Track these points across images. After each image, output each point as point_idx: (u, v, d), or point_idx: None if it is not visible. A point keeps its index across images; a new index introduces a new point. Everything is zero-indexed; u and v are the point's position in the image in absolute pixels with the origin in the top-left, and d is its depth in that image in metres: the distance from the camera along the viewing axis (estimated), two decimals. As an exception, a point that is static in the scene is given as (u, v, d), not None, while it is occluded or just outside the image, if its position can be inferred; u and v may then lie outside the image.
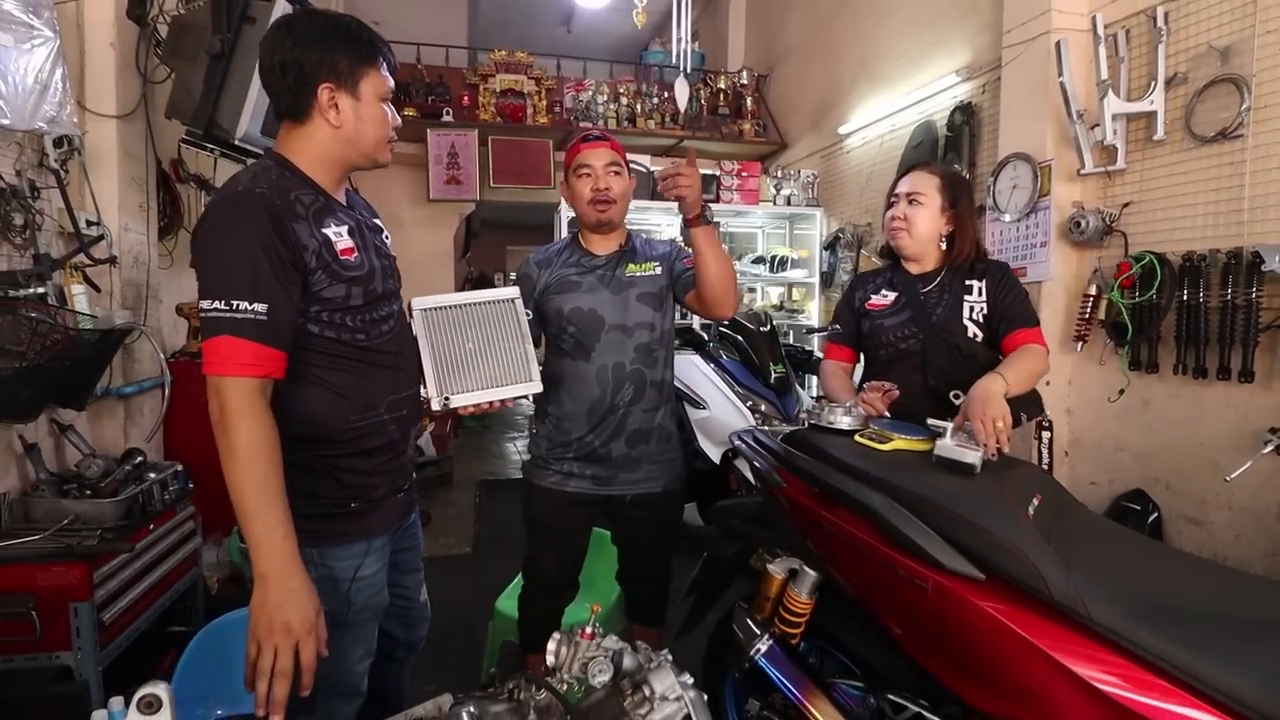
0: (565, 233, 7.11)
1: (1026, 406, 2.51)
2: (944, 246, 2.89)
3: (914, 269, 2.92)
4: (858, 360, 3.08)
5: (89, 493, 3.18)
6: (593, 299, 2.88)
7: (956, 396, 2.62)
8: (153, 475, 3.42)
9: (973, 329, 2.77)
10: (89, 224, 3.58)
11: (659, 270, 2.97)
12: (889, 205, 2.94)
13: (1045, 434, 3.01)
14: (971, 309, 2.78)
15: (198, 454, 3.89)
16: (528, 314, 2.43)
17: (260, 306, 1.78)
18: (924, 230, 2.83)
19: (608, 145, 2.91)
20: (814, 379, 7.00)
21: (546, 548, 3.06)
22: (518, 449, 10.34)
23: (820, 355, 3.23)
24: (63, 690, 2.88)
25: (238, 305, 1.76)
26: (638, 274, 2.93)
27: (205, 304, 1.78)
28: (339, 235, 1.98)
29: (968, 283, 2.81)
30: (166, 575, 3.45)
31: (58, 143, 3.35)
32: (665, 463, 3.04)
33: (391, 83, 2.07)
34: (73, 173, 3.54)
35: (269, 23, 3.48)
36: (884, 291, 2.95)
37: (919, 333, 2.80)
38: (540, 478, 3.00)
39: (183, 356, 4.36)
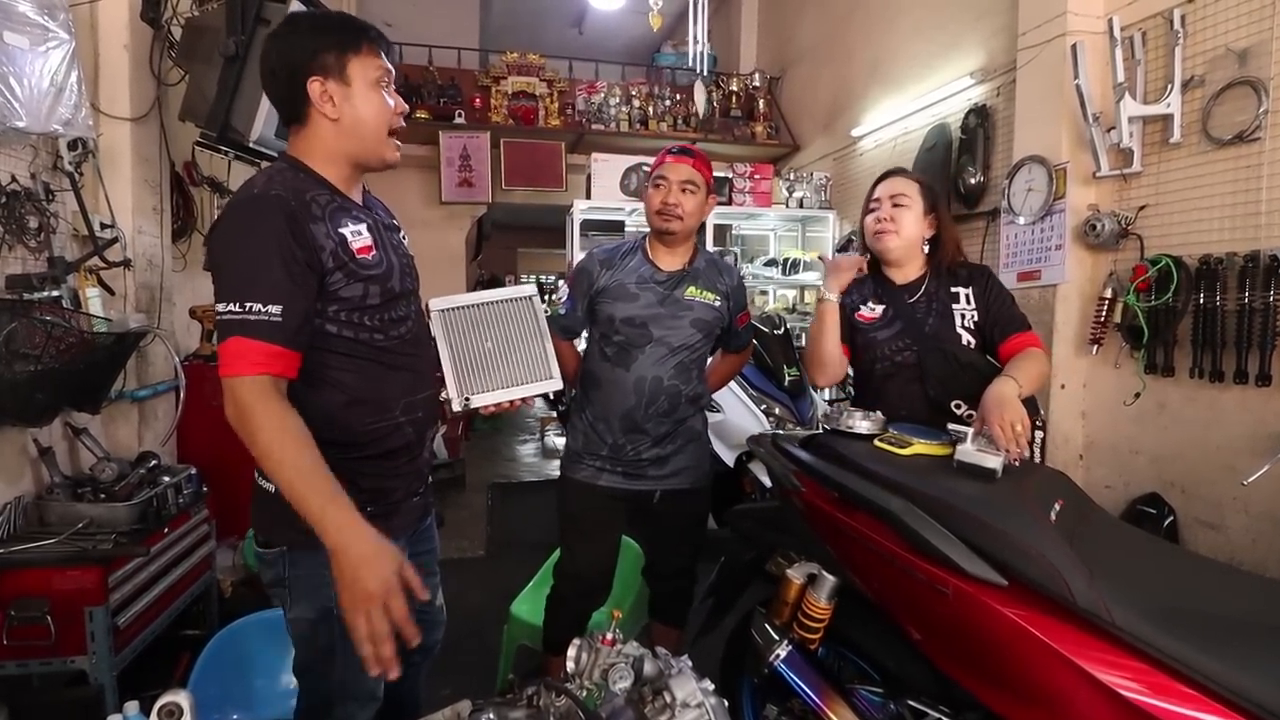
0: (577, 235, 7.17)
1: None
2: (926, 251, 2.87)
3: (898, 277, 2.89)
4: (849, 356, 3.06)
5: (103, 496, 3.19)
6: (646, 313, 2.91)
7: (958, 406, 2.62)
8: (167, 479, 3.42)
9: (966, 336, 2.75)
10: (103, 227, 3.58)
11: (719, 304, 3.00)
12: (867, 211, 2.90)
13: (1039, 434, 2.99)
14: (963, 316, 2.76)
15: (212, 457, 3.90)
16: (553, 312, 2.43)
17: (274, 309, 1.78)
18: (910, 232, 2.80)
19: (690, 162, 2.94)
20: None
21: (580, 543, 3.08)
22: (530, 452, 10.34)
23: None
24: (77, 695, 2.89)
25: (251, 307, 1.76)
26: (697, 299, 2.96)
27: (220, 306, 1.79)
28: (357, 234, 1.97)
29: (954, 290, 2.80)
30: (181, 579, 3.46)
31: (72, 145, 3.36)
32: (693, 462, 3.07)
33: (385, 64, 2.03)
34: (87, 175, 3.55)
35: (284, 25, 3.49)
36: (871, 304, 2.90)
37: (913, 344, 2.77)
38: (574, 471, 3.04)
39: (196, 359, 4.35)
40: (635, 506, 3.05)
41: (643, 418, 2.91)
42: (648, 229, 3.04)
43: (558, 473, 3.19)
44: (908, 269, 2.87)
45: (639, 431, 2.93)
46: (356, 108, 1.98)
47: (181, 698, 1.51)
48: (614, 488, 2.98)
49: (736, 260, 8.04)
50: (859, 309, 2.91)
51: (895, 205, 2.80)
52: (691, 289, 2.96)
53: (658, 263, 2.99)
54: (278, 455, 1.75)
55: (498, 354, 2.29)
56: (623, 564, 3.25)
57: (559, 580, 3.15)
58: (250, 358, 1.76)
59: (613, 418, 2.94)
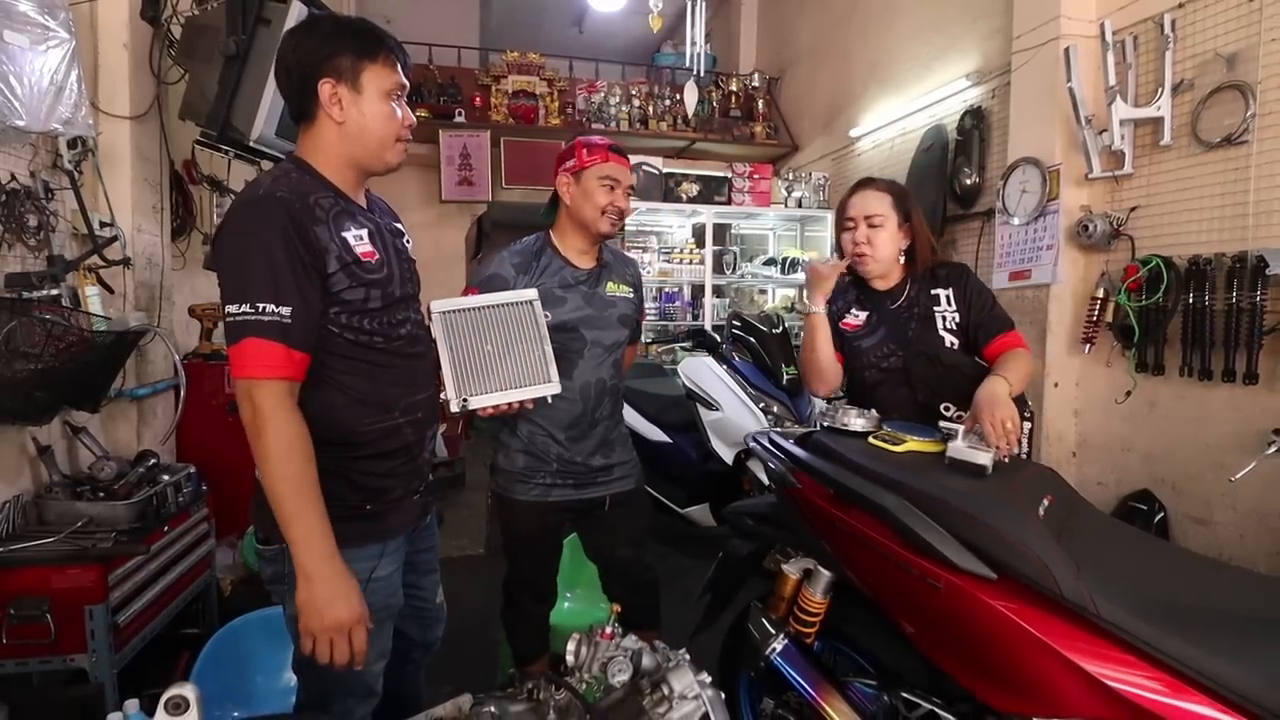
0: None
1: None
2: (903, 260, 2.87)
3: (879, 285, 2.89)
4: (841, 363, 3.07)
5: (103, 495, 3.19)
6: (577, 316, 2.83)
7: (947, 409, 2.64)
8: (166, 477, 3.41)
9: (949, 339, 2.75)
10: (102, 225, 3.59)
11: (633, 295, 2.99)
12: (843, 229, 2.89)
13: (1027, 424, 3.03)
14: (944, 319, 2.77)
15: (211, 456, 3.90)
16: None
17: (285, 310, 1.80)
18: (886, 252, 2.80)
19: (629, 167, 2.88)
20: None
21: (533, 560, 3.04)
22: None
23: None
24: (78, 693, 2.88)
25: (263, 308, 1.78)
26: (617, 294, 2.93)
27: (231, 308, 1.80)
28: (359, 239, 1.99)
29: (934, 292, 2.80)
30: (181, 578, 3.46)
31: (72, 144, 3.36)
32: (630, 461, 3.05)
33: (401, 78, 2.05)
34: (86, 174, 3.55)
35: (284, 24, 3.49)
36: (855, 311, 2.92)
37: (898, 350, 2.80)
38: (521, 493, 2.92)
39: (196, 358, 4.36)
40: (584, 514, 3.01)
41: (590, 423, 2.87)
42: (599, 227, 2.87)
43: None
44: (888, 277, 2.88)
45: (585, 438, 2.88)
46: (363, 114, 2.00)
47: (188, 690, 1.53)
48: (566, 500, 2.92)
49: (735, 259, 8.11)
50: (844, 317, 2.93)
51: (870, 226, 2.79)
52: (610, 284, 2.92)
53: (574, 262, 2.90)
54: (282, 469, 1.80)
55: (497, 357, 2.29)
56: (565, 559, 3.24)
57: (513, 590, 3.10)
58: (268, 360, 1.78)
59: (557, 429, 2.85)
